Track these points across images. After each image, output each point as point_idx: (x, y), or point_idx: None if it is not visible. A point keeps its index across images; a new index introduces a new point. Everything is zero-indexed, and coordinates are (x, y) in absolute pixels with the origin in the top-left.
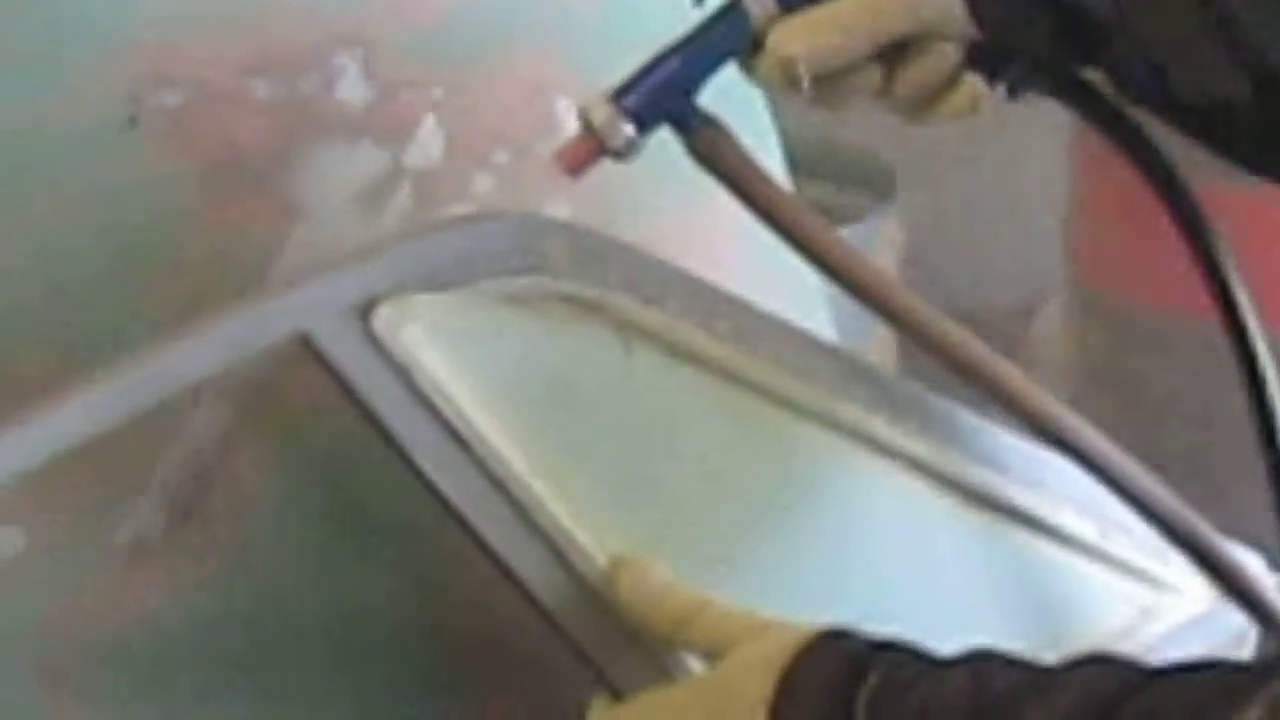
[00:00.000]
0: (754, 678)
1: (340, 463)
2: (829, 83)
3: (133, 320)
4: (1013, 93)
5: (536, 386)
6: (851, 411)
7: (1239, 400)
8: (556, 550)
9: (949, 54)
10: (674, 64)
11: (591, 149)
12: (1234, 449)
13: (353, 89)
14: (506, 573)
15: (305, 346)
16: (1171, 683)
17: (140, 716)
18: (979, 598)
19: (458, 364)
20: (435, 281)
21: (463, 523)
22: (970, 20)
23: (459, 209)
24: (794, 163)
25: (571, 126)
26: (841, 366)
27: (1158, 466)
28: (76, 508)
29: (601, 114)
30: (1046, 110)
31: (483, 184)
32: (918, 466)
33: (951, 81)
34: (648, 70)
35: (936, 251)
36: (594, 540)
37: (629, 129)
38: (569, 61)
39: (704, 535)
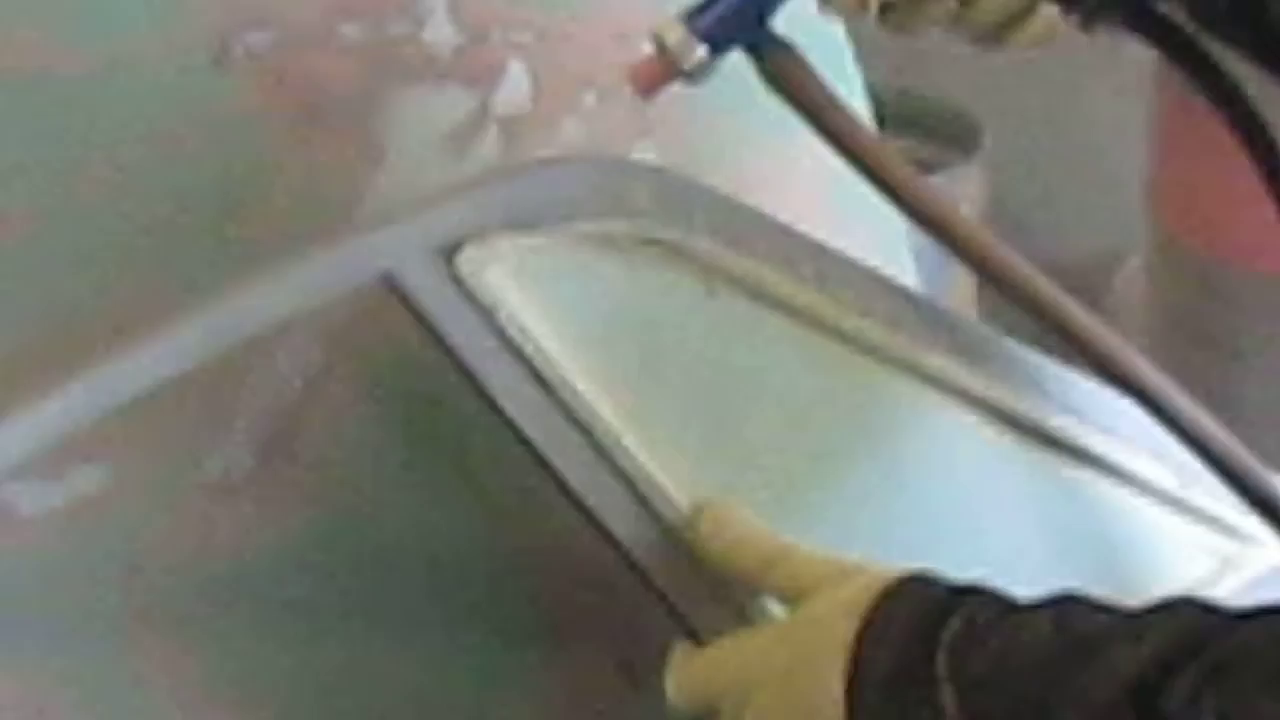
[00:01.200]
0: (836, 622)
1: (425, 404)
2: (904, 7)
3: (219, 259)
4: (1087, 24)
5: (620, 330)
6: (933, 358)
7: None
8: (639, 494)
9: None
10: None
11: (664, 70)
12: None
13: (440, 32)
14: (589, 516)
15: (390, 287)
16: (1261, 622)
17: (232, 653)
18: (1060, 546)
19: (542, 306)
20: (519, 223)
21: (546, 465)
22: None
23: (546, 154)
24: (880, 115)
25: None
26: (923, 313)
27: (1234, 419)
28: (164, 446)
29: (674, 35)
30: (1127, 61)
31: (570, 129)
32: (998, 414)
33: (1027, 9)
34: None
35: (1020, 203)
36: (677, 484)
37: (701, 51)
38: (655, 5)
39: (787, 481)
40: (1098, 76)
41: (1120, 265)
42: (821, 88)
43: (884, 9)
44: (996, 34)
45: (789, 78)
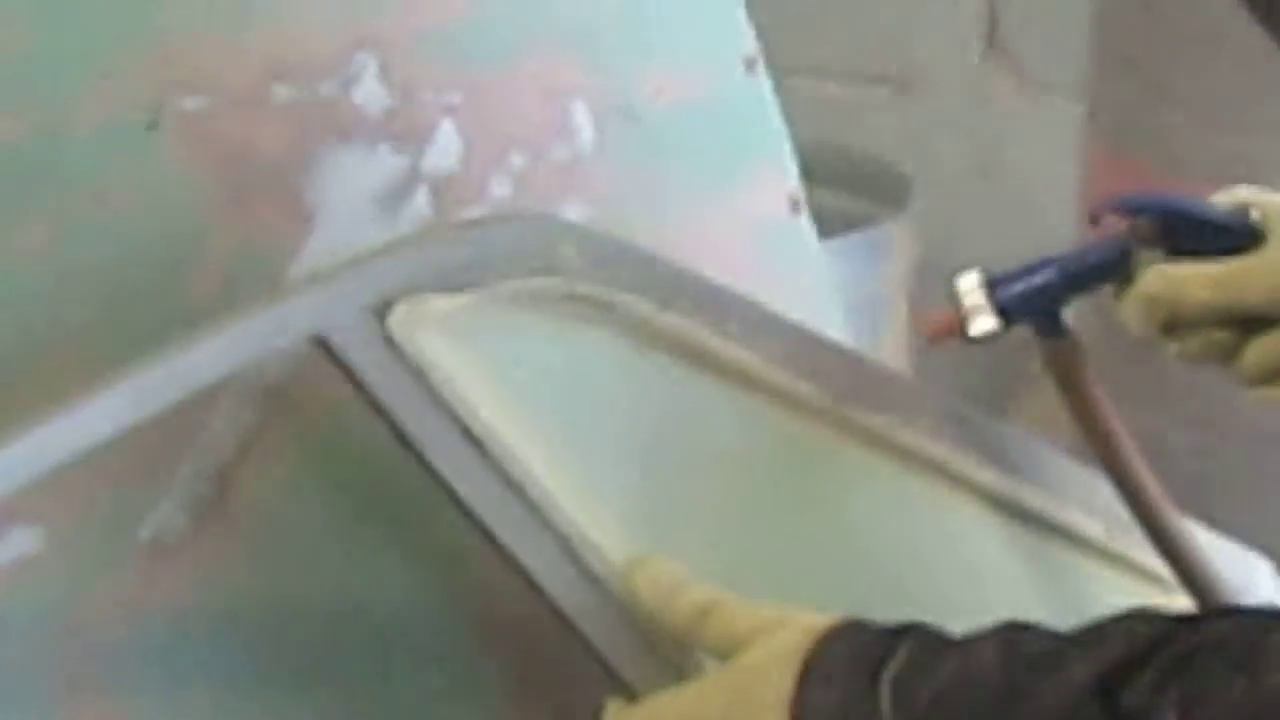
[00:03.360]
0: (774, 669)
1: (359, 462)
2: (1185, 333)
3: (152, 321)
4: None
5: (551, 387)
6: (863, 413)
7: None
8: (571, 550)
9: None
10: (1053, 273)
11: (952, 325)
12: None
13: (370, 93)
14: (522, 572)
15: (322, 347)
16: (1220, 620)
17: (164, 714)
18: (993, 594)
19: (473, 364)
20: (450, 282)
21: (478, 523)
22: None
23: (475, 213)
24: (808, 169)
25: (587, 130)
26: (854, 368)
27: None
28: (98, 507)
29: (973, 298)
30: (1058, 117)
31: (499, 188)
32: (928, 466)
33: None
34: (1027, 271)
35: (949, 257)
36: (609, 540)
37: (992, 322)
38: (584, 65)
39: (718, 536)
40: (1027, 131)
41: None
42: (1094, 383)
43: (1167, 329)
44: (1267, 380)
45: (1068, 366)
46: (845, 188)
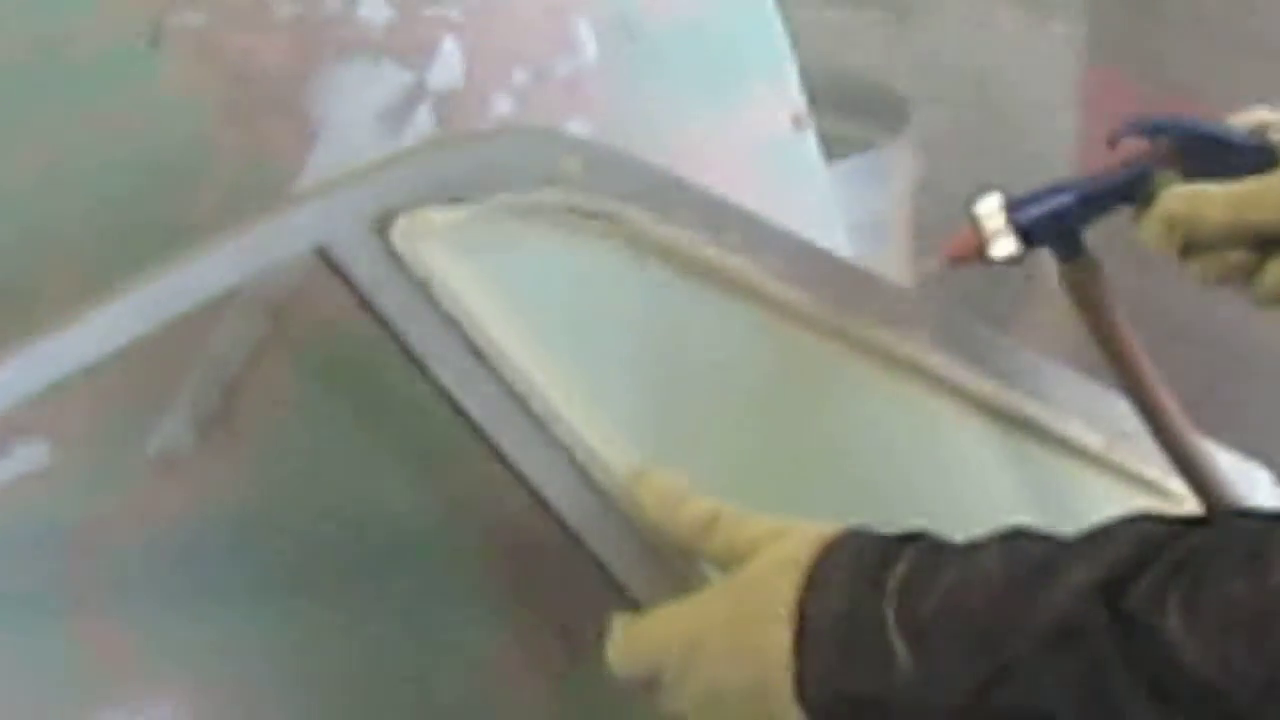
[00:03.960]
0: (779, 577)
1: (363, 374)
2: (1204, 254)
3: (156, 237)
4: None
5: (554, 299)
6: (863, 323)
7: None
8: (575, 462)
9: None
10: (1070, 197)
11: (972, 249)
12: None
13: (374, 8)
14: (525, 484)
15: (324, 259)
16: (1217, 525)
17: (174, 626)
18: (993, 504)
19: (475, 277)
20: (452, 195)
21: (482, 435)
22: None
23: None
24: (811, 95)
25: (590, 46)
26: (854, 279)
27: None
28: (105, 422)
29: (994, 222)
30: (1056, 41)
31: (502, 104)
32: (930, 378)
33: None
34: (1047, 194)
35: (949, 177)
36: (612, 452)
37: (1013, 244)
38: None
39: (720, 446)
40: (1023, 52)
41: None
42: (1113, 304)
43: (1186, 251)
44: (1273, 306)
45: (1087, 288)
46: (845, 113)
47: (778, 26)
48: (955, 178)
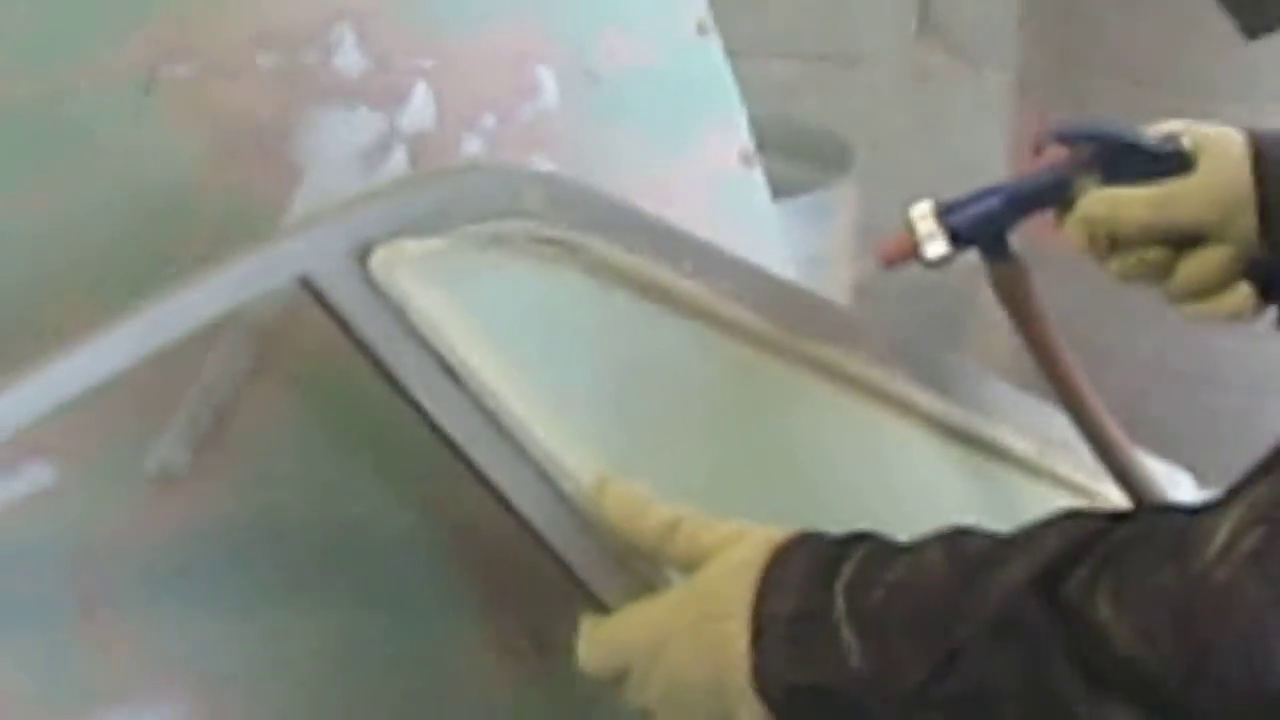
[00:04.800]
0: (735, 579)
1: (345, 395)
2: (1123, 252)
3: (153, 268)
4: None
5: (522, 323)
6: (809, 342)
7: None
8: (543, 473)
9: (1229, 256)
10: (997, 201)
11: (906, 250)
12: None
13: (349, 58)
14: (497, 495)
15: (308, 289)
16: (1138, 521)
17: (172, 631)
18: (934, 507)
19: (448, 302)
20: (425, 226)
21: (456, 450)
22: (1260, 234)
23: None
24: (758, 140)
25: (551, 92)
26: (800, 301)
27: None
28: (105, 443)
29: (925, 225)
30: (988, 86)
31: (472, 145)
32: (872, 390)
33: (1226, 282)
34: (974, 199)
35: (890, 214)
36: (578, 463)
37: (944, 246)
38: (547, 31)
39: (680, 458)
40: (960, 100)
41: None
42: (1037, 300)
43: (1108, 248)
44: (1195, 298)
45: (1013, 286)
46: (793, 156)
47: (727, 73)
48: (892, 218)
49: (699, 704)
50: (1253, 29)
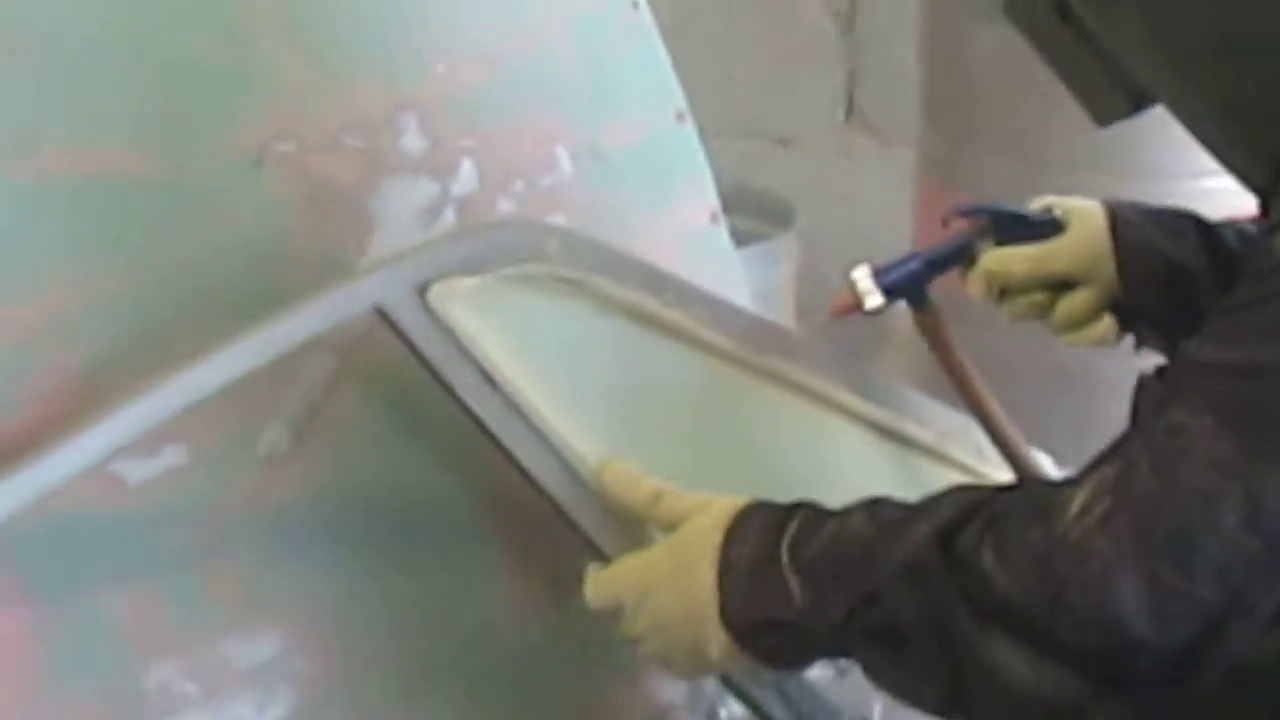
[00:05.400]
0: (707, 535)
1: (408, 396)
2: (1013, 298)
3: (263, 301)
4: (1139, 343)
5: (543, 342)
6: (764, 358)
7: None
8: (559, 457)
9: (1095, 297)
10: (917, 263)
11: (850, 304)
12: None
13: (412, 141)
14: (526, 476)
15: (381, 315)
16: (1014, 492)
17: (274, 576)
18: (858, 482)
19: (489, 327)
20: (470, 268)
21: (494, 440)
22: (1118, 280)
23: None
24: (723, 202)
25: (566, 166)
26: (755, 324)
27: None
28: (225, 430)
29: (864, 283)
30: (899, 162)
31: (505, 206)
32: (812, 395)
33: (1093, 317)
34: (900, 262)
35: (823, 260)
36: (587, 448)
37: (879, 299)
38: (564, 118)
39: (665, 446)
40: (877, 172)
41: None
42: (949, 336)
43: (1002, 295)
44: (1069, 329)
45: (932, 327)
46: (747, 214)
47: (699, 150)
48: (826, 262)
49: (677, 634)
50: (1102, 118)
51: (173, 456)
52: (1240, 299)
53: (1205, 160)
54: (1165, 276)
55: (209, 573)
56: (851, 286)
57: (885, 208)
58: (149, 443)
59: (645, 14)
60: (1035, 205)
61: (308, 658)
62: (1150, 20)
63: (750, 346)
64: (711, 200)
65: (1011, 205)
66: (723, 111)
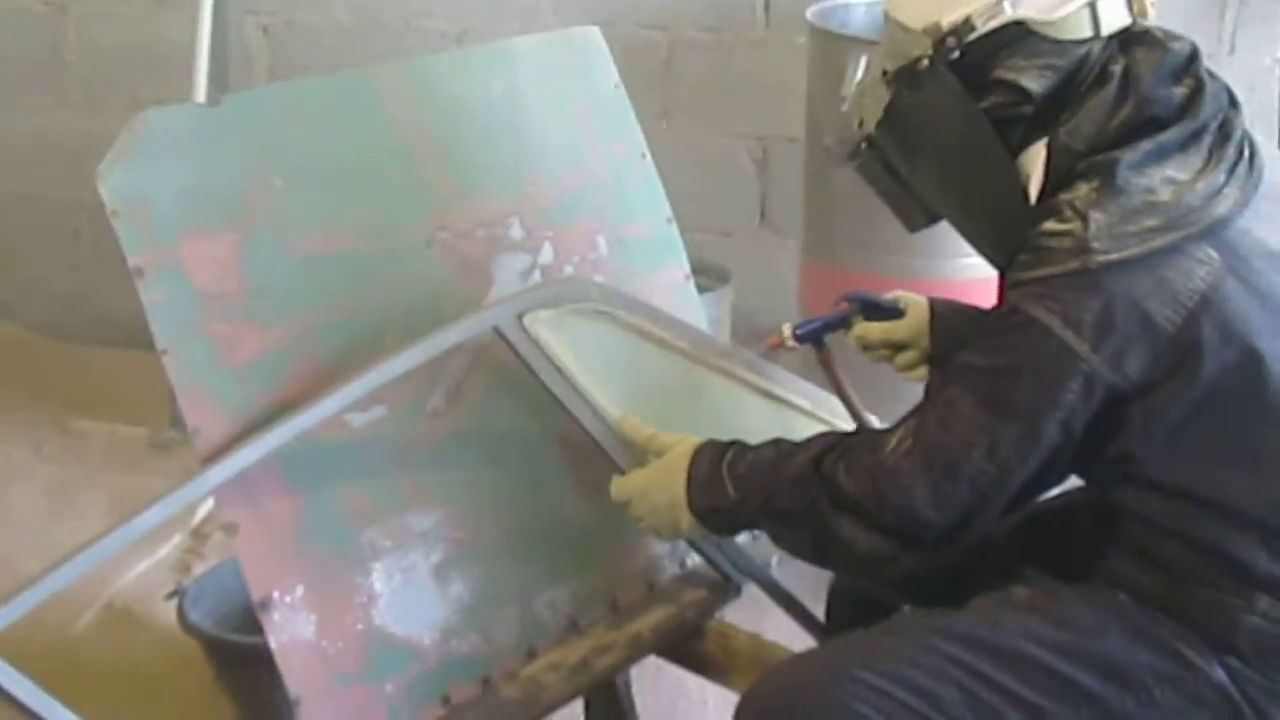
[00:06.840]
0: (680, 459)
1: (515, 385)
2: (871, 350)
3: (429, 324)
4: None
5: (595, 353)
6: (714, 358)
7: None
8: (603, 420)
9: (919, 355)
10: (818, 323)
11: (779, 343)
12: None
13: (516, 231)
14: (579, 425)
15: (498, 333)
16: (859, 433)
17: (437, 480)
18: (763, 432)
19: (564, 344)
20: (548, 305)
21: (562, 406)
22: (931, 346)
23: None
24: (690, 265)
25: (604, 248)
26: (710, 341)
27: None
28: (408, 396)
29: (787, 333)
30: (793, 249)
31: (570, 270)
32: (745, 382)
33: (916, 365)
34: (810, 322)
35: (751, 310)
36: (615, 410)
37: (794, 343)
38: (603, 220)
39: (662, 410)
40: (771, 257)
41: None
42: (835, 363)
43: (866, 348)
44: (906, 372)
45: (825, 359)
46: (703, 276)
47: (679, 239)
48: (748, 306)
49: (663, 515)
50: (911, 227)
51: (379, 411)
52: (986, 327)
53: (968, 248)
54: (958, 344)
55: (399, 478)
56: (780, 333)
57: (782, 275)
58: (363, 403)
59: (649, 161)
60: (888, 295)
61: (453, 526)
62: (932, 176)
63: (707, 352)
64: (685, 267)
65: (873, 296)
66: (689, 217)
